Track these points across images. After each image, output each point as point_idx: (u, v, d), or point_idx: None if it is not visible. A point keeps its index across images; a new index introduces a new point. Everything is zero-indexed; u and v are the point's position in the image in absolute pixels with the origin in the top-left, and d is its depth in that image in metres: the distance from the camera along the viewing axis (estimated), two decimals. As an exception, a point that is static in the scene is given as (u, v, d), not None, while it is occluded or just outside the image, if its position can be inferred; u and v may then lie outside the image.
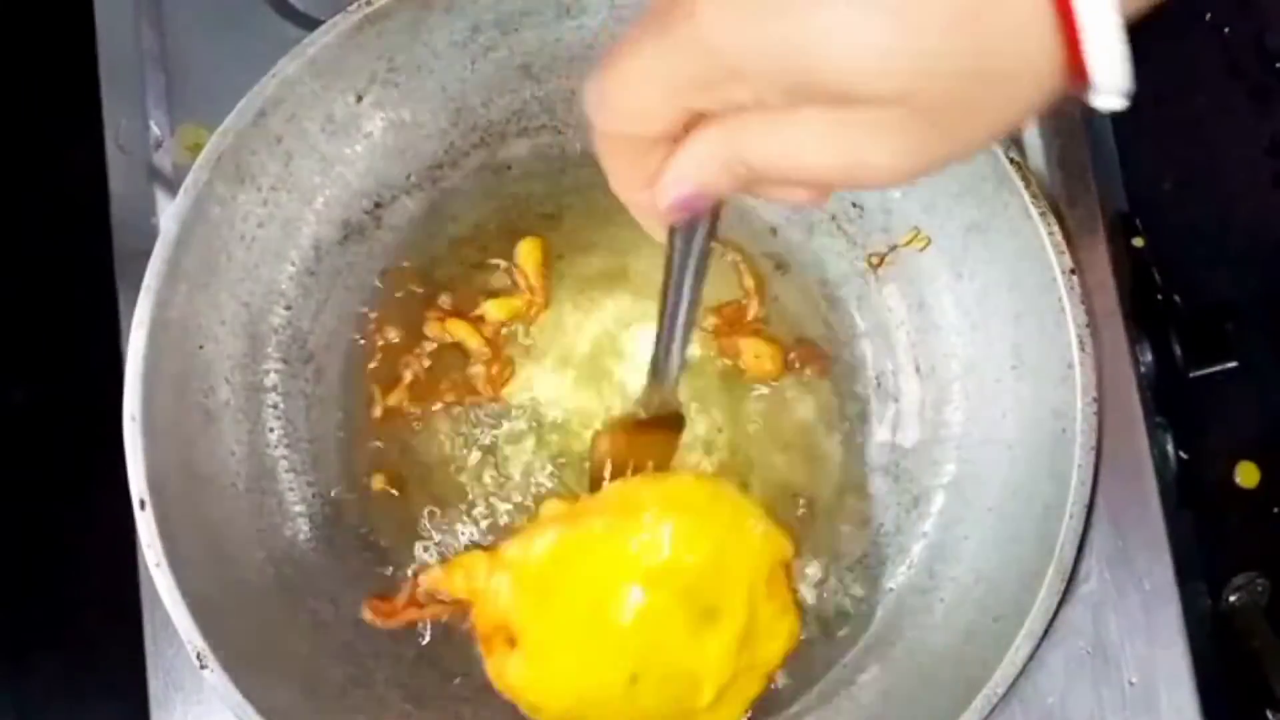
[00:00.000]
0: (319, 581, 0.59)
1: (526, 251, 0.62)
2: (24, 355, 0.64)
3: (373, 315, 0.61)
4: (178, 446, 0.55)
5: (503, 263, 0.62)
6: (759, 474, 0.60)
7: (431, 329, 0.61)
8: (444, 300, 0.61)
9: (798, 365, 0.61)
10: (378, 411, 0.61)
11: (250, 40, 0.62)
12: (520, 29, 0.59)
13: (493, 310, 0.61)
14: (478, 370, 0.60)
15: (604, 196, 0.61)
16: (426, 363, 0.61)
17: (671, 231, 0.41)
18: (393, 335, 0.60)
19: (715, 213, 0.41)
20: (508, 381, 0.61)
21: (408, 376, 0.61)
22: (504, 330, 0.62)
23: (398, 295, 0.61)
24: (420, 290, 0.62)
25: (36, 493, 0.63)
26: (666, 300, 0.45)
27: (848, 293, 0.62)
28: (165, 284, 0.54)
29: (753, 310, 0.61)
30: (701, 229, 0.41)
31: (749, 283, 0.61)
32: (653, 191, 0.37)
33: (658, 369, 0.50)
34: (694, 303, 0.45)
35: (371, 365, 0.61)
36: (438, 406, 0.61)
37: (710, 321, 0.61)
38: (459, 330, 0.61)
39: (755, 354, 0.60)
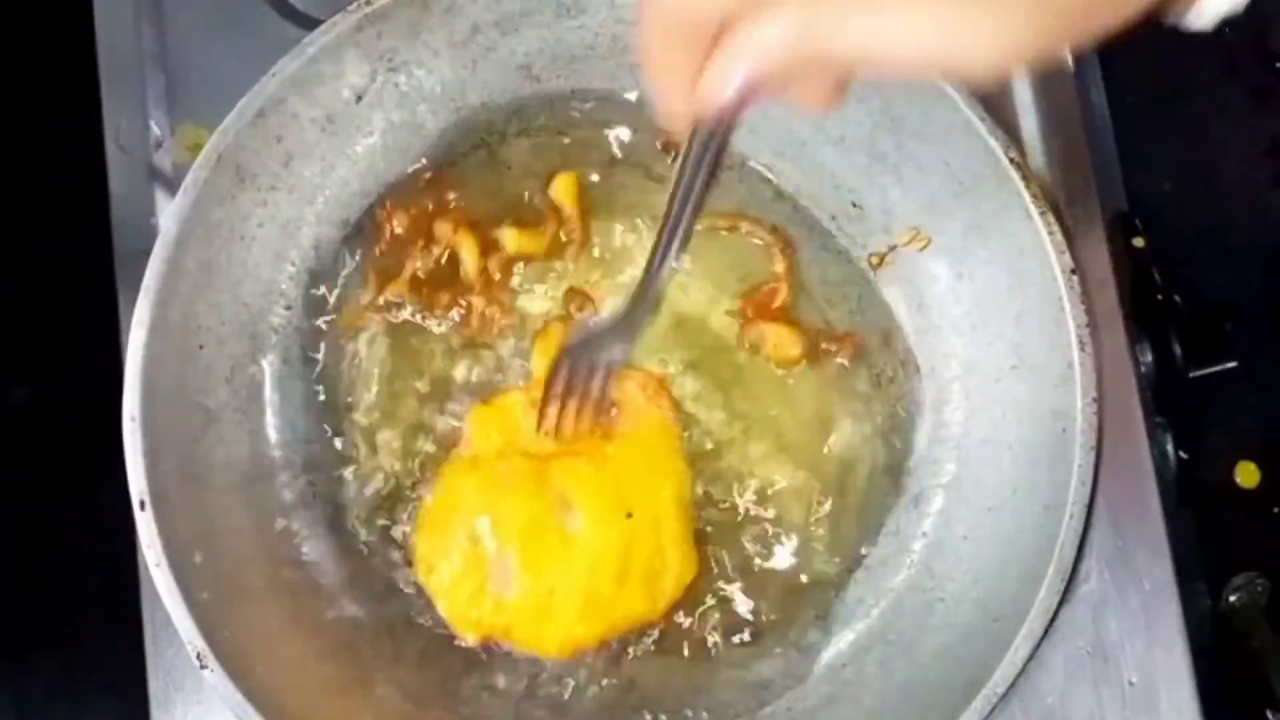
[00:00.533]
0: (319, 581, 0.59)
1: (564, 187, 0.61)
2: (24, 355, 0.64)
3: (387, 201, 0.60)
4: (178, 446, 0.55)
5: (536, 197, 0.61)
6: (759, 474, 0.60)
7: (442, 228, 0.59)
8: (457, 201, 0.60)
9: (831, 350, 0.60)
10: (366, 298, 0.59)
11: (250, 40, 0.62)
12: (520, 29, 0.59)
13: (510, 239, 0.60)
14: (475, 301, 0.59)
15: (602, 196, 0.62)
16: (432, 264, 0.59)
17: (692, 135, 0.41)
18: (399, 226, 0.59)
19: (732, 125, 0.40)
20: (496, 325, 0.60)
21: (409, 269, 0.59)
22: (513, 273, 0.60)
23: (416, 187, 0.60)
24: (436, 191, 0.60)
25: (36, 493, 0.63)
26: (672, 205, 0.44)
27: (848, 292, 0.62)
28: (165, 284, 0.54)
29: (782, 295, 0.61)
30: (719, 137, 0.41)
31: (779, 267, 0.61)
32: (703, 81, 0.35)
33: (649, 274, 0.49)
34: (697, 211, 0.44)
35: (376, 252, 0.60)
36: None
37: (736, 304, 0.61)
38: (465, 243, 0.59)
39: (778, 340, 0.60)
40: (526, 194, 0.61)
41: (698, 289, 0.61)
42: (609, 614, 0.57)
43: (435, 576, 0.58)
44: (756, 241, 0.61)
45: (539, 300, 0.61)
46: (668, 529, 0.58)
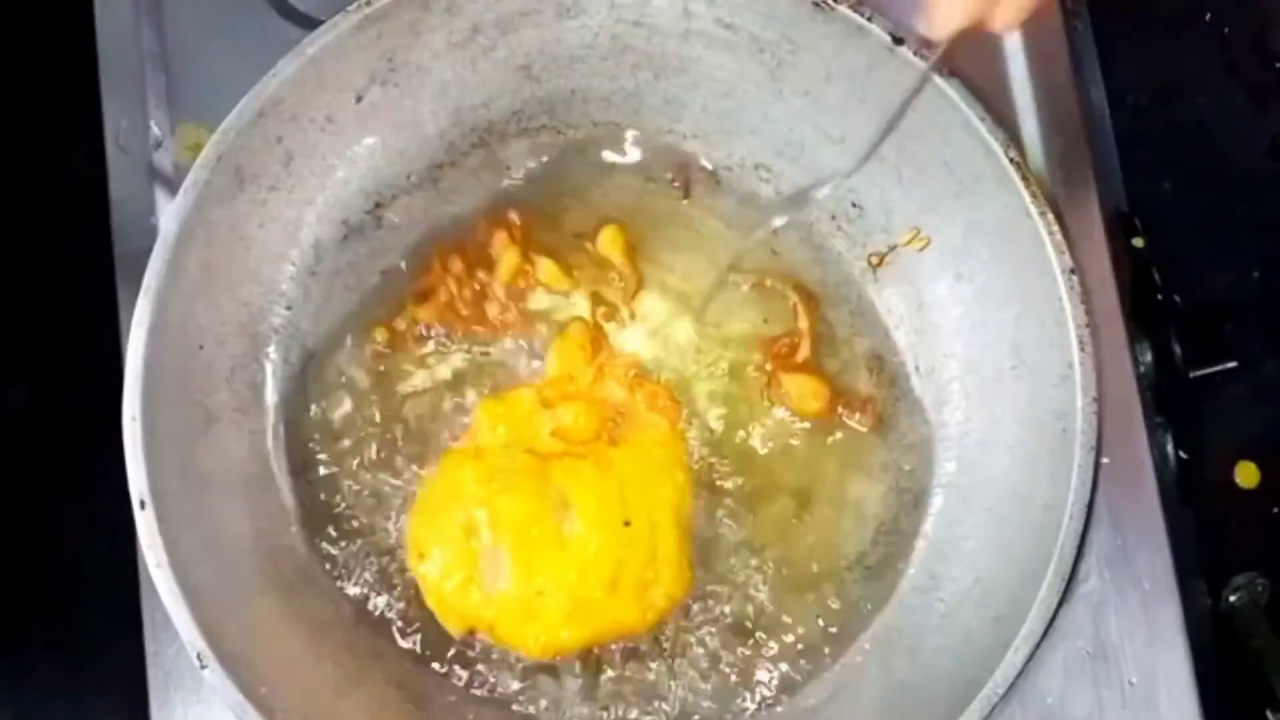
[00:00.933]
0: (319, 581, 0.59)
1: (609, 240, 0.61)
2: (24, 355, 0.64)
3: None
4: (178, 446, 0.55)
5: (589, 246, 0.62)
6: (761, 474, 0.60)
7: (499, 238, 0.61)
8: (515, 217, 0.61)
9: (845, 414, 0.60)
10: (402, 324, 0.60)
11: (250, 40, 0.62)
12: (520, 29, 0.59)
13: (545, 270, 0.61)
14: (491, 309, 0.60)
15: (602, 195, 0.62)
16: (467, 293, 0.61)
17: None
18: (456, 267, 0.61)
19: None
20: (507, 327, 0.61)
21: (443, 295, 0.60)
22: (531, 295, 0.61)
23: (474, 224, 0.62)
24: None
25: (36, 493, 0.63)
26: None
27: (848, 293, 0.62)
28: (165, 284, 0.54)
29: (804, 349, 0.61)
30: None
31: (803, 323, 0.61)
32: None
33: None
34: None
35: (420, 285, 0.61)
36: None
37: (756, 358, 0.61)
38: (510, 256, 0.60)
39: (800, 392, 0.60)
40: (581, 237, 0.62)
41: (721, 341, 0.62)
42: (596, 621, 0.57)
43: (425, 564, 0.58)
44: (789, 300, 0.61)
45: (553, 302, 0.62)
46: (664, 541, 0.57)
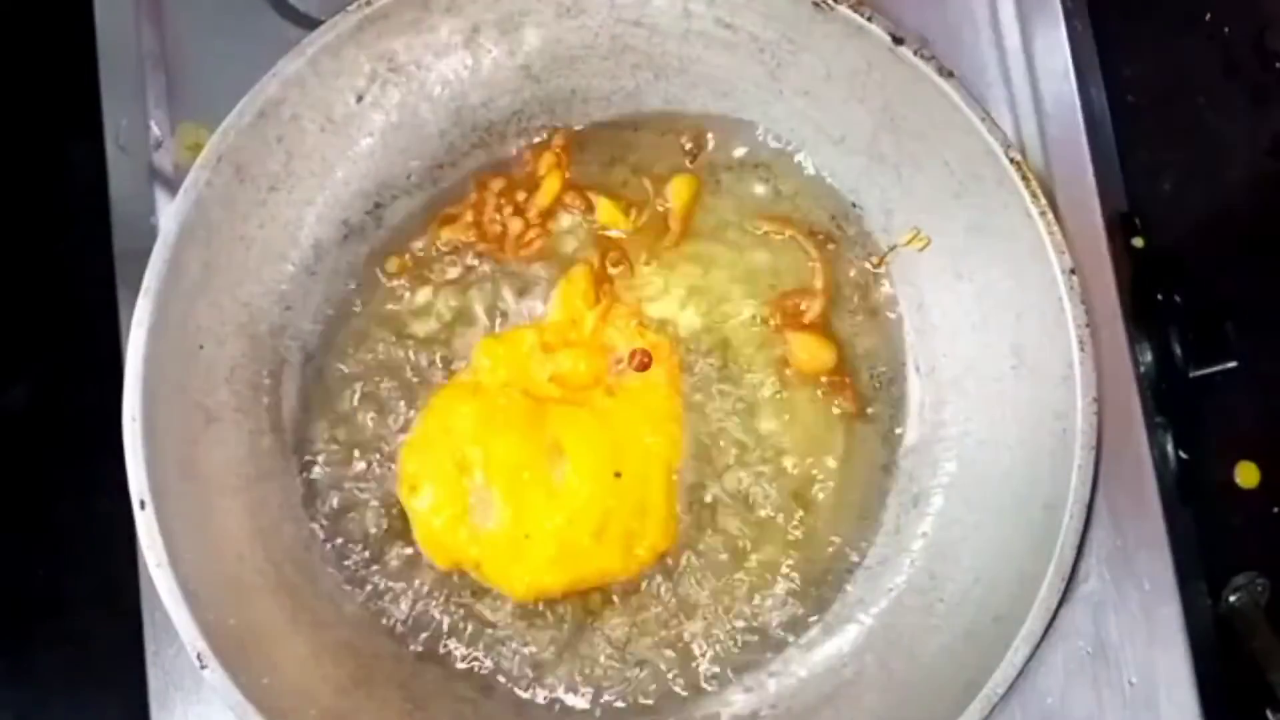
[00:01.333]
0: (319, 581, 0.59)
1: (679, 189, 0.61)
2: (24, 355, 0.64)
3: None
4: (178, 446, 0.55)
5: (649, 187, 0.62)
6: (761, 473, 0.60)
7: (546, 159, 0.61)
8: (559, 143, 0.61)
9: (829, 393, 0.60)
10: (421, 249, 0.61)
11: (250, 40, 0.62)
12: (520, 29, 0.59)
13: (603, 208, 0.60)
14: (513, 224, 0.60)
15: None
16: (495, 215, 0.61)
17: None
18: (496, 186, 0.61)
19: None
20: (529, 246, 0.60)
21: (469, 215, 0.60)
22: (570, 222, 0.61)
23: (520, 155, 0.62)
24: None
25: (36, 493, 0.63)
26: None
27: (848, 293, 0.62)
28: (165, 284, 0.54)
29: (815, 310, 0.60)
30: None
31: (819, 283, 0.60)
32: None
33: None
34: None
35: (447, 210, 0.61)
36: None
37: (765, 311, 0.61)
38: (553, 178, 0.60)
39: (806, 352, 0.60)
40: (632, 179, 0.62)
41: (725, 291, 0.61)
42: (580, 566, 0.57)
43: (416, 498, 0.58)
44: (803, 251, 0.61)
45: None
46: (653, 494, 0.58)
